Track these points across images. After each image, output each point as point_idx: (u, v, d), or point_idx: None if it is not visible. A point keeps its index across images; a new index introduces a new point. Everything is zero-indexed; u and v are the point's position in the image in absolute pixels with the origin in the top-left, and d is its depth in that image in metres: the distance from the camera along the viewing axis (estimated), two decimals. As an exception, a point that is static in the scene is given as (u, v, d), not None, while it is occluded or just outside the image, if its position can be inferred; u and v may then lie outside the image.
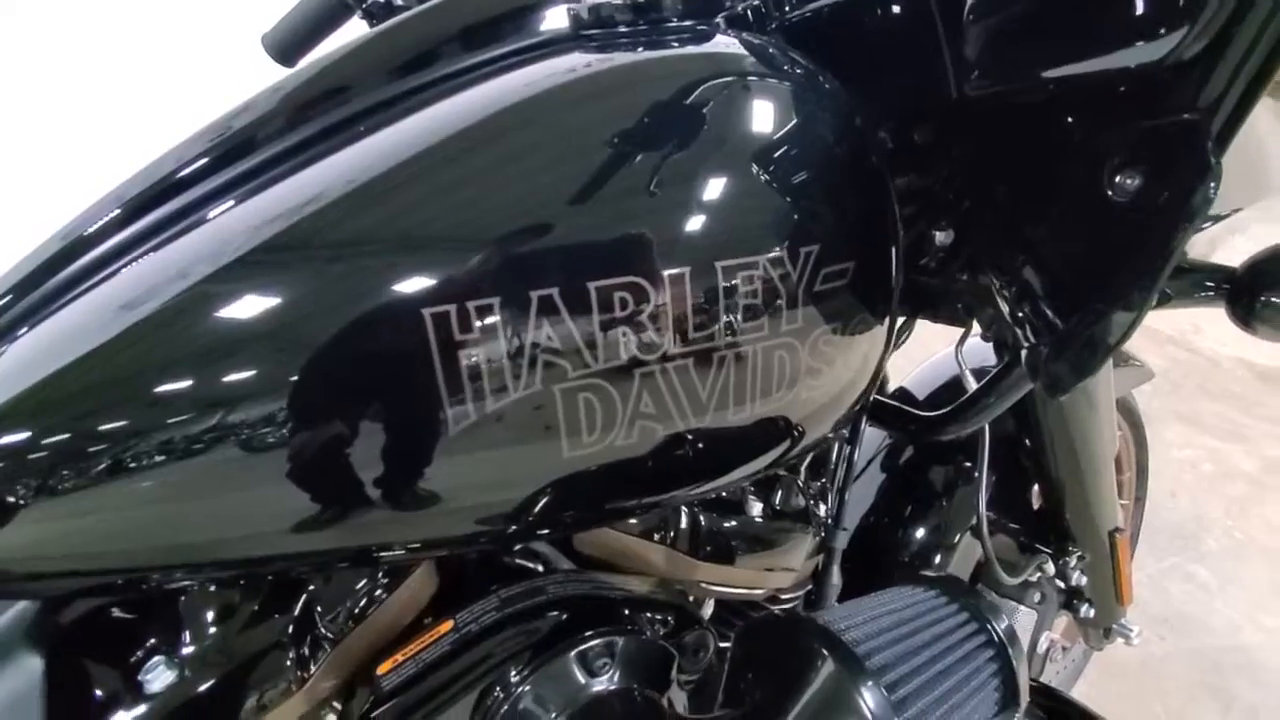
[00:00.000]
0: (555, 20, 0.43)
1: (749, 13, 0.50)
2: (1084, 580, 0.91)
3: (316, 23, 0.80)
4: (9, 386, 0.31)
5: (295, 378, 0.31)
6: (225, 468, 0.32)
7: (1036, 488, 0.86)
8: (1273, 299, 0.42)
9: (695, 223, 0.36)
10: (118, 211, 0.37)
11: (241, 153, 0.38)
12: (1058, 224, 0.40)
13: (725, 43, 0.41)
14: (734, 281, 0.36)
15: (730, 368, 0.38)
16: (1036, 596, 0.91)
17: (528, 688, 0.45)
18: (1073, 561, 0.88)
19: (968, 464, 0.86)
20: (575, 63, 0.38)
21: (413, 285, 0.32)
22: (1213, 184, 0.32)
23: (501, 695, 0.45)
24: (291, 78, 0.41)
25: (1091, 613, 0.93)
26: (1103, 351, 0.38)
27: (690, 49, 0.40)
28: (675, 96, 0.37)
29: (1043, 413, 0.75)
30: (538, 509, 0.38)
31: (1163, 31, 0.32)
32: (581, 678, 0.46)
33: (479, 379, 0.33)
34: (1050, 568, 0.90)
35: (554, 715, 0.45)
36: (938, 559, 0.85)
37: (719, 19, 0.45)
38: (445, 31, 0.42)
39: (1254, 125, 0.37)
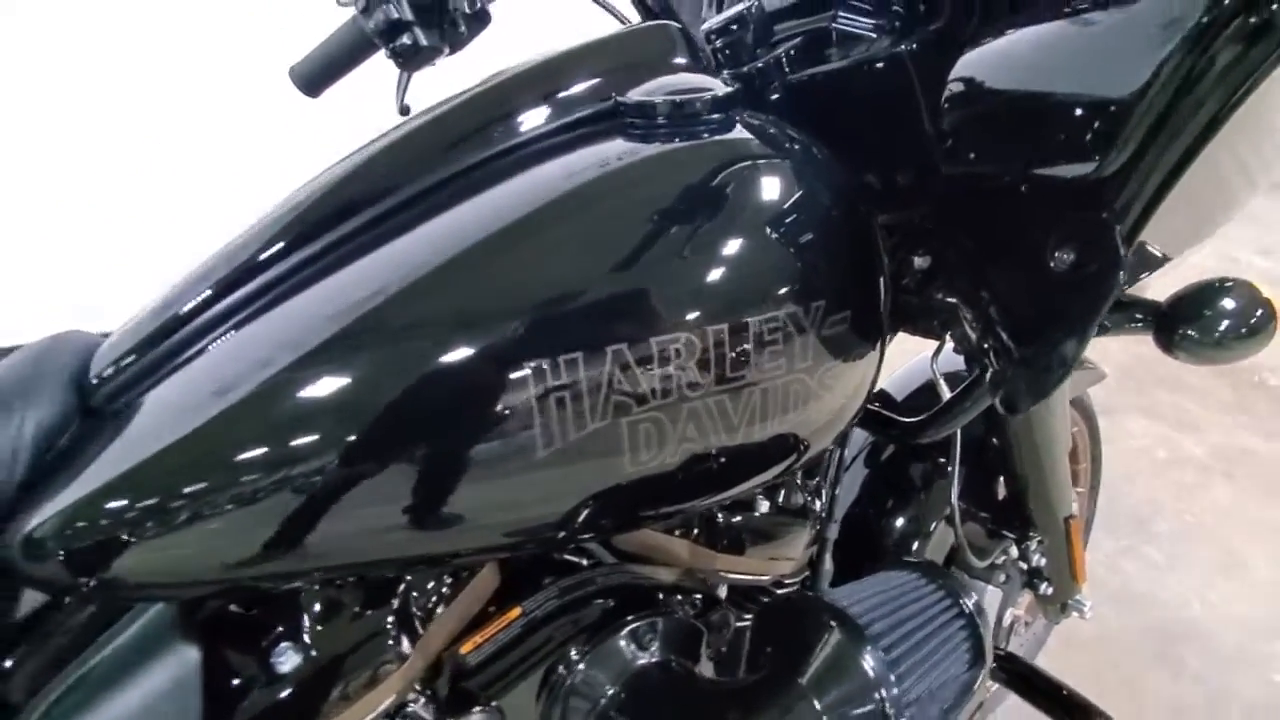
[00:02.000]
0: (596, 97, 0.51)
1: (755, 74, 0.59)
2: (1043, 561, 0.97)
3: (341, 57, 0.85)
4: (123, 458, 0.39)
5: (419, 424, 0.40)
6: (347, 512, 0.40)
7: (1002, 480, 0.93)
8: (1189, 331, 0.50)
9: (732, 286, 0.45)
10: (209, 292, 0.45)
11: (315, 234, 0.45)
12: (1011, 277, 0.50)
13: (742, 133, 0.50)
14: (761, 332, 0.46)
15: (756, 399, 0.47)
16: (1002, 577, 0.98)
17: (586, 662, 0.54)
18: (1033, 545, 0.95)
19: (942, 460, 0.93)
20: (621, 150, 0.47)
21: (517, 344, 0.41)
22: (1121, 272, 0.41)
23: (565, 670, 0.54)
24: (347, 161, 0.48)
25: (1049, 590, 0.98)
26: (1052, 381, 0.48)
27: (715, 138, 0.49)
28: (706, 182, 0.46)
29: (1007, 416, 0.84)
30: (602, 513, 0.47)
31: (1093, 155, 0.41)
32: (631, 653, 0.55)
33: (565, 414, 0.42)
34: (1014, 551, 0.97)
35: (608, 685, 0.54)
36: (916, 545, 0.92)
37: (735, 86, 0.52)
38: (497, 113, 0.49)
39: (1199, 176, 0.45)
